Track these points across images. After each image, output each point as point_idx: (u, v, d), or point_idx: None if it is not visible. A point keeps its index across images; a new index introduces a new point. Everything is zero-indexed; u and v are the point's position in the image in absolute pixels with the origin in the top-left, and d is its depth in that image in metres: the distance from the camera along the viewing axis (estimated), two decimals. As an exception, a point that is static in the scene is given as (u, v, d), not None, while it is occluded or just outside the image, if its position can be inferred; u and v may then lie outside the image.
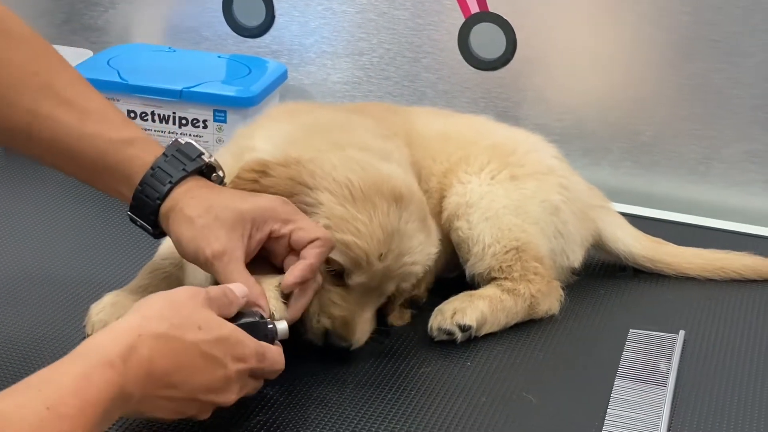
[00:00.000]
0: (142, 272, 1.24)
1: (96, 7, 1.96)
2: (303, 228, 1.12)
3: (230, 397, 1.01)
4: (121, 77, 1.70)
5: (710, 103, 1.68)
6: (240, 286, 1.07)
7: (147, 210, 1.14)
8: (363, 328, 1.18)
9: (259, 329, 1.05)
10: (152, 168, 1.13)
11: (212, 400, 0.99)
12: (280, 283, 1.11)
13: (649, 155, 1.73)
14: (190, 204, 1.12)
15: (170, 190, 1.13)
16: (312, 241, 1.11)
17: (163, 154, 1.15)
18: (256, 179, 1.16)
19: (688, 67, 1.67)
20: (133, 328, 0.93)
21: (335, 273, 1.16)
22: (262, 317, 1.07)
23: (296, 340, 1.12)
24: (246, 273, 1.10)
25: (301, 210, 1.14)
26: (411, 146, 1.31)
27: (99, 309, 1.18)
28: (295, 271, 1.11)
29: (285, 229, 1.12)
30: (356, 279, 1.15)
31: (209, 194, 1.13)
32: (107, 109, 1.17)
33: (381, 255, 1.14)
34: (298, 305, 1.12)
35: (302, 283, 1.11)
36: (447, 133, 1.35)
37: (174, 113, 1.68)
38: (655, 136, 1.72)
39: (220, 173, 1.17)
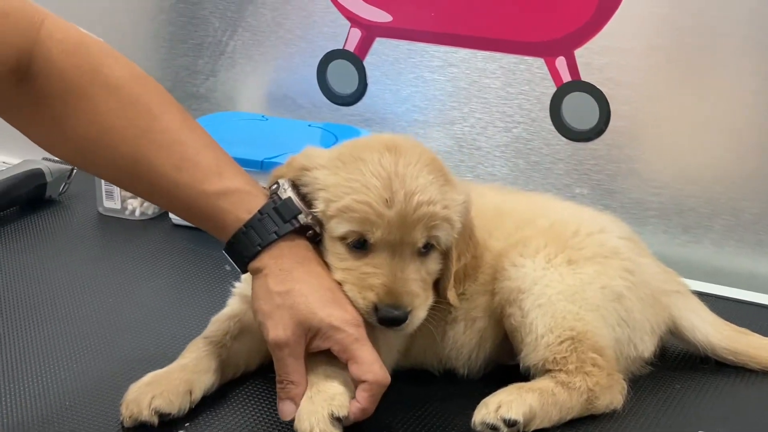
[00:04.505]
0: (185, 351, 1.22)
1: (198, 75, 1.99)
2: (358, 363, 1.11)
3: None
4: (208, 146, 1.71)
5: (820, 179, 1.54)
6: None
7: (237, 260, 1.17)
8: (410, 290, 1.12)
9: None
10: (245, 226, 1.15)
11: None
12: (332, 414, 1.08)
13: (754, 234, 1.60)
14: (276, 277, 1.13)
15: (259, 252, 1.14)
16: (363, 381, 1.10)
17: (259, 211, 1.15)
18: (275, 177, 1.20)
19: (795, 140, 1.55)
20: None
21: (356, 243, 1.13)
22: None
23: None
24: (302, 368, 1.12)
25: (306, 194, 1.15)
26: None
27: (135, 388, 1.16)
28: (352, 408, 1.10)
29: (342, 357, 1.12)
30: (375, 236, 1.11)
31: (296, 272, 1.14)
32: (202, 156, 1.17)
33: (386, 200, 1.11)
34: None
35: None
36: (502, 208, 1.28)
37: (256, 183, 1.67)
38: (760, 214, 1.59)
39: (317, 229, 1.16)
